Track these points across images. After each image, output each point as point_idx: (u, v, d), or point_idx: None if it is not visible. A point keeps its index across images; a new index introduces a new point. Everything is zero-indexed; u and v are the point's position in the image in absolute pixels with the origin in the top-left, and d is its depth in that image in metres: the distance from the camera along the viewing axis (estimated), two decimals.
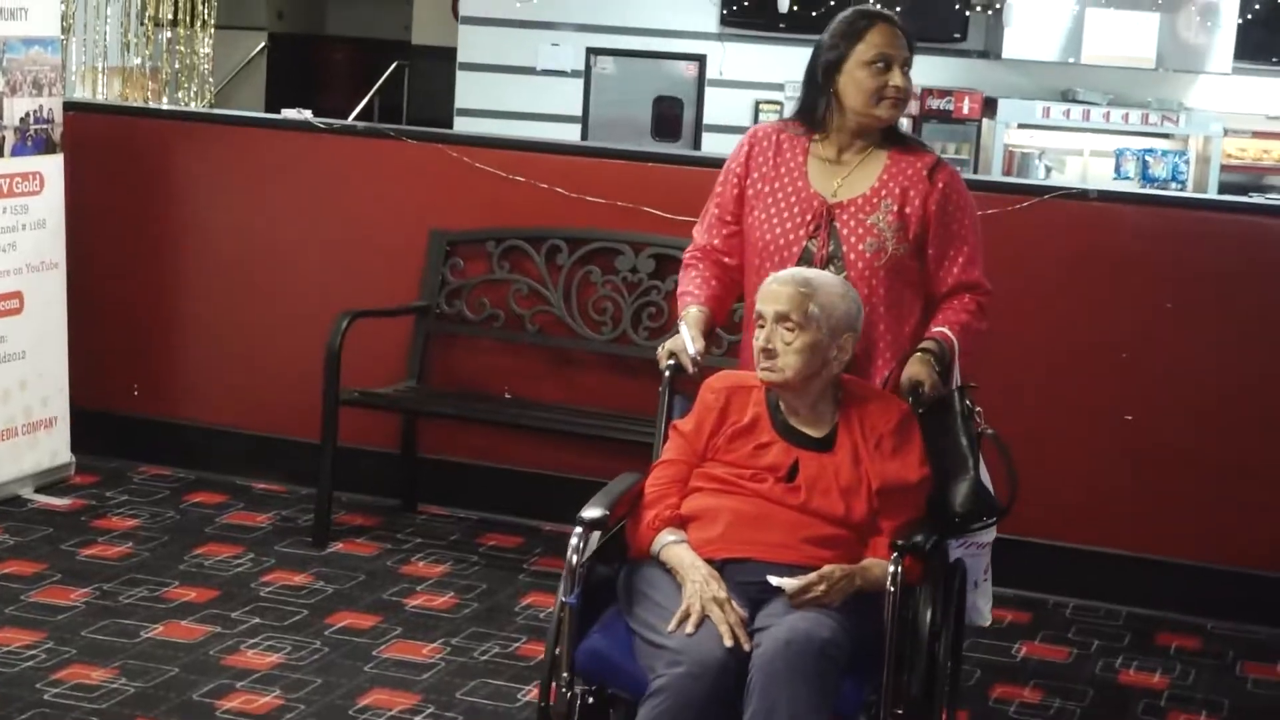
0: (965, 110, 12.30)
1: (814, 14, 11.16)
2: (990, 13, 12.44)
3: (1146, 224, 5.81)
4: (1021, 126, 12.39)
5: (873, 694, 3.18)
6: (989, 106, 12.38)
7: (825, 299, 3.40)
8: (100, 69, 7.29)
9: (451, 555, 5.81)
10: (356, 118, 10.86)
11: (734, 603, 3.19)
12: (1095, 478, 5.67)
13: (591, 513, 3.32)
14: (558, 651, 3.28)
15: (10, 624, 4.92)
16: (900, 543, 3.24)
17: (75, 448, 6.33)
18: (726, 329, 4.44)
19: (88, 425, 6.38)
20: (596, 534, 3.34)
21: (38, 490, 6.13)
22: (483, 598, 5.37)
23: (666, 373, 3.75)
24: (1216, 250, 5.59)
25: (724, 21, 12.67)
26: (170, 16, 7.46)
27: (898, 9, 11.93)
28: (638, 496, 3.51)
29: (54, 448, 6.25)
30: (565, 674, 3.25)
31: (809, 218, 3.73)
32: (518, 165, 6.15)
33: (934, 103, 12.34)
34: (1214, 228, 5.85)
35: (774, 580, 3.24)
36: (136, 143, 6.59)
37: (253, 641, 4.93)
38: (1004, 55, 12.43)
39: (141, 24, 7.48)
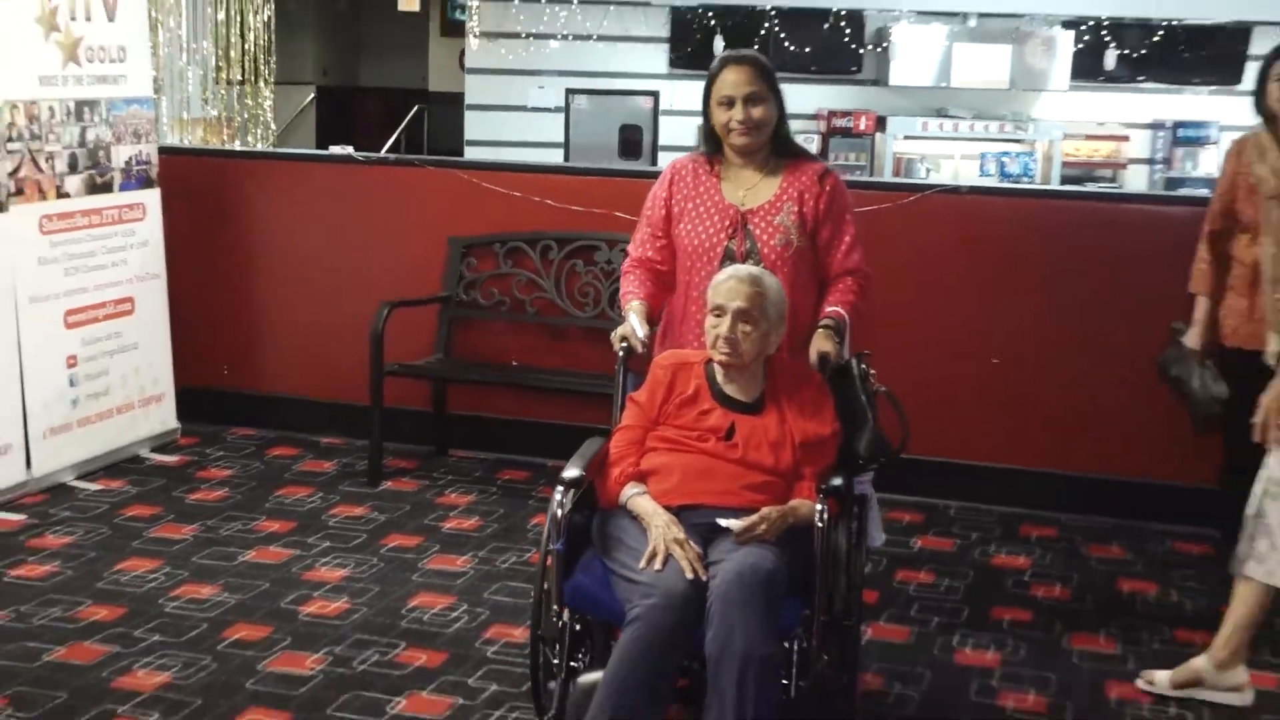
0: (862, 126, 12.31)
1: None
2: (879, 49, 12.43)
3: (1005, 210, 5.90)
4: (906, 138, 12.40)
5: (806, 609, 3.16)
6: (880, 123, 12.37)
7: (773, 296, 3.41)
8: (185, 120, 7.27)
9: (476, 488, 5.86)
10: (387, 151, 10.80)
11: (691, 542, 3.17)
12: (972, 408, 5.73)
13: (570, 473, 3.30)
14: (546, 587, 3.24)
15: (135, 554, 4.99)
16: (824, 487, 3.26)
17: (180, 416, 6.35)
18: (655, 321, 4.11)
19: (189, 399, 6.40)
20: (574, 491, 3.29)
21: (152, 450, 6.15)
22: (502, 520, 5.44)
23: (620, 353, 3.68)
24: (1058, 226, 5.66)
25: (672, 64, 12.65)
26: (239, 76, 7.44)
27: (807, 49, 12.16)
28: (604, 456, 3.46)
29: (163, 417, 6.27)
30: (555, 606, 3.22)
31: (727, 223, 3.71)
32: (515, 184, 6.17)
33: (837, 122, 12.35)
34: (1057, 211, 5.92)
35: (722, 522, 3.21)
36: (215, 177, 6.59)
37: (324, 560, 4.99)
38: (890, 83, 12.39)
39: (215, 83, 7.47)
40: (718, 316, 3.39)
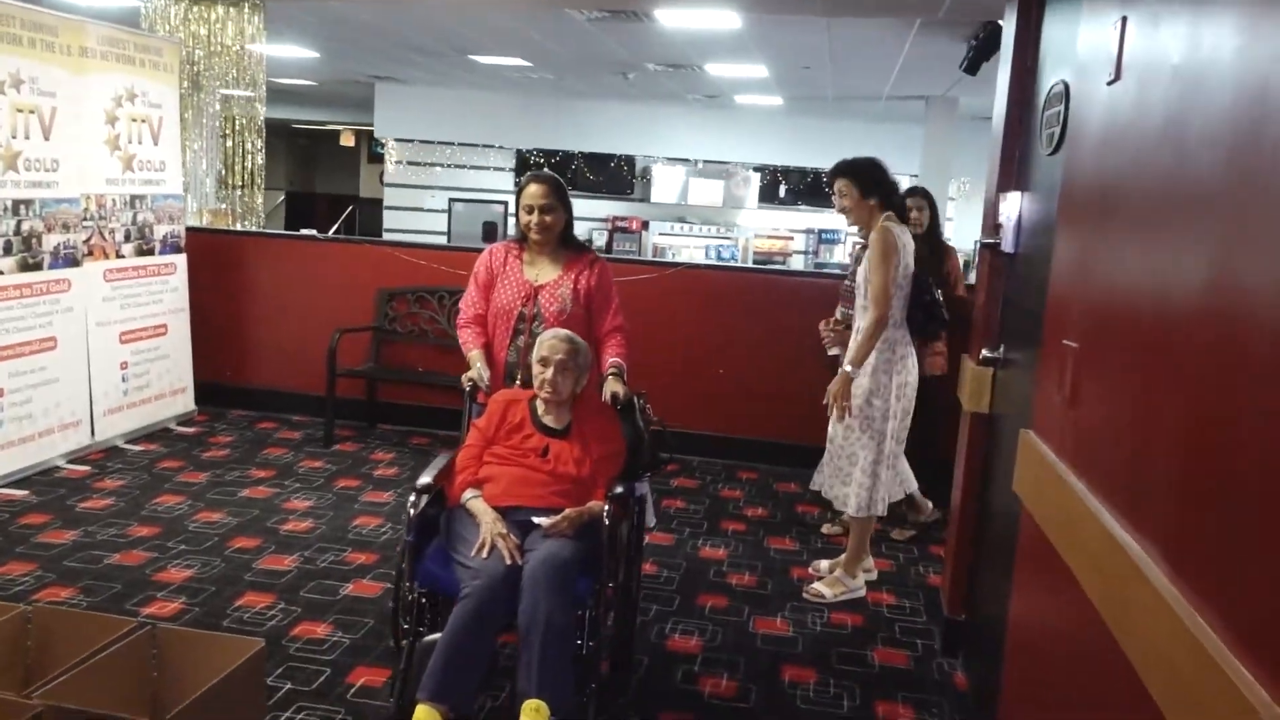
0: (634, 226, 12.39)
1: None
2: (645, 179, 12.52)
3: (721, 279, 5.94)
4: (661, 234, 12.49)
5: (595, 584, 2.84)
6: (645, 225, 12.45)
7: (583, 352, 3.11)
8: (203, 209, 6.97)
9: (395, 449, 5.68)
10: (335, 233, 10.49)
11: (511, 535, 2.82)
12: (707, 401, 5.79)
13: (423, 481, 2.94)
14: (404, 567, 2.87)
15: (167, 492, 4.72)
16: (609, 494, 2.95)
17: (197, 401, 6.02)
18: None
19: (203, 389, 6.07)
20: (425, 496, 2.91)
21: (178, 424, 5.83)
22: (412, 470, 5.27)
23: (467, 389, 3.27)
24: (751, 288, 5.74)
25: (516, 184, 12.54)
26: (240, 182, 7.17)
27: (600, 177, 12.22)
28: (451, 466, 3.08)
29: (185, 402, 5.94)
30: (408, 583, 2.85)
31: (523, 294, 3.34)
32: (419, 255, 6.05)
33: (619, 223, 12.38)
34: (750, 279, 6.00)
35: (536, 519, 2.89)
36: (224, 247, 6.28)
37: (295, 495, 4.79)
38: (652, 200, 12.50)
39: (223, 186, 7.17)
40: (543, 366, 3.05)
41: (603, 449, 3.07)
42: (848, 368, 3.79)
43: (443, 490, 3.03)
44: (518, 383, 3.28)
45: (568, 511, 2.89)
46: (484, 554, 2.77)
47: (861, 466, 3.84)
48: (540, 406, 3.10)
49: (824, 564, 4.18)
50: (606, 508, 2.91)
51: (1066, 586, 1.86)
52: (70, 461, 5.02)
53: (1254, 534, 1.21)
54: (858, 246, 4.22)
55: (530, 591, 2.68)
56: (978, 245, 4.40)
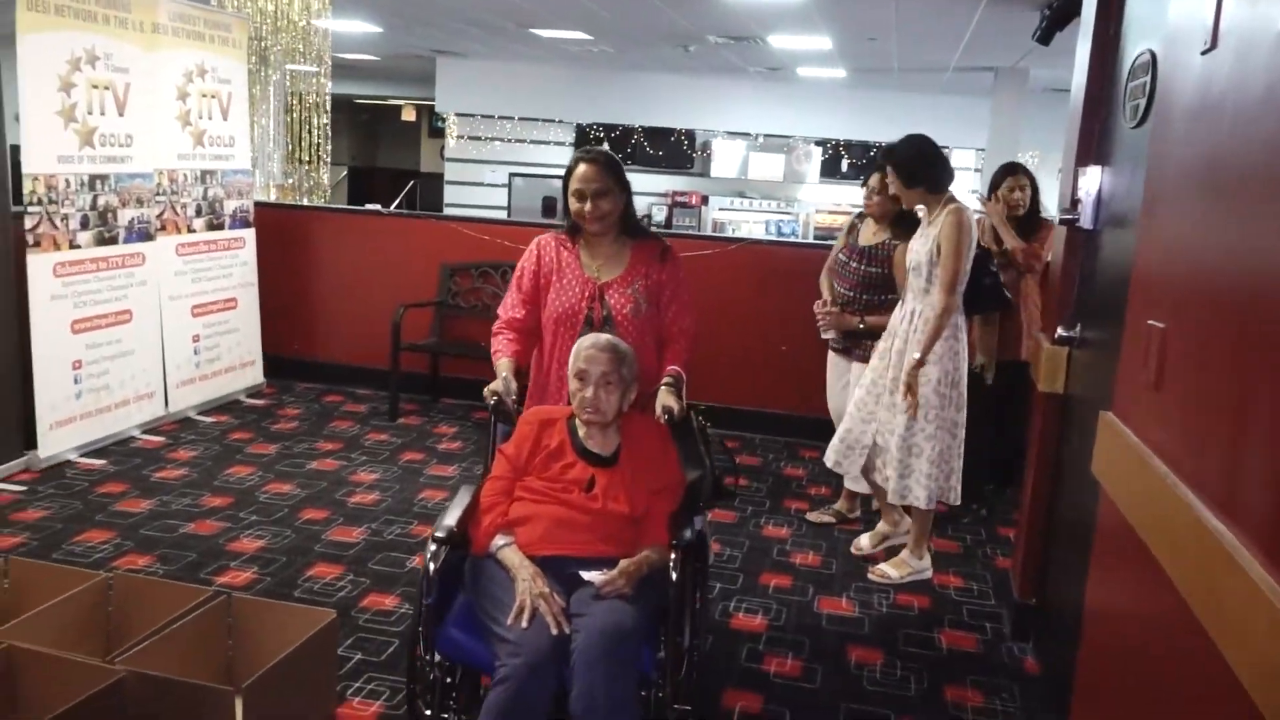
0: (693, 201, 12.30)
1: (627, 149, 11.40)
2: (704, 154, 12.45)
3: (782, 254, 5.90)
4: (721, 209, 12.38)
5: (660, 650, 2.32)
6: (705, 200, 12.36)
7: (629, 361, 2.60)
8: (271, 184, 7.06)
9: (458, 423, 5.74)
10: (396, 208, 10.59)
11: (555, 594, 2.28)
12: (770, 378, 5.75)
13: (441, 531, 2.40)
14: (420, 631, 2.34)
15: (238, 463, 4.83)
16: (675, 542, 2.41)
17: (265, 374, 6.14)
18: (523, 370, 3.09)
19: (272, 363, 6.19)
20: (445, 548, 2.38)
21: (247, 396, 5.95)
22: (475, 443, 5.34)
23: (491, 404, 2.73)
24: (811, 262, 5.61)
25: None
26: (305, 158, 7.26)
27: (660, 152, 12.17)
28: (476, 504, 2.53)
29: (254, 375, 6.06)
30: (426, 656, 2.34)
31: (587, 293, 2.90)
32: (482, 229, 6.07)
33: (678, 199, 12.30)
34: (810, 254, 5.87)
35: (585, 575, 2.35)
36: (291, 222, 6.37)
37: (362, 468, 4.87)
38: (711, 175, 12.42)
39: (290, 161, 7.27)
40: (581, 381, 2.57)
41: (659, 479, 2.57)
42: (917, 355, 3.62)
43: (466, 534, 2.49)
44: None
45: (624, 564, 2.37)
46: (523, 623, 2.23)
47: (929, 458, 3.71)
48: (582, 429, 2.59)
49: (865, 540, 4.15)
50: (674, 558, 2.36)
51: (1150, 573, 1.81)
52: (145, 432, 5.14)
53: None
54: (858, 222, 4.33)
55: (586, 675, 2.17)
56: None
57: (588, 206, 2.88)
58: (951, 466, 3.77)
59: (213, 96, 5.60)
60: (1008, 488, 4.83)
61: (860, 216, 4.38)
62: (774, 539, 4.28)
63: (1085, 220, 3.10)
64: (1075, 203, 3.21)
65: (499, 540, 2.44)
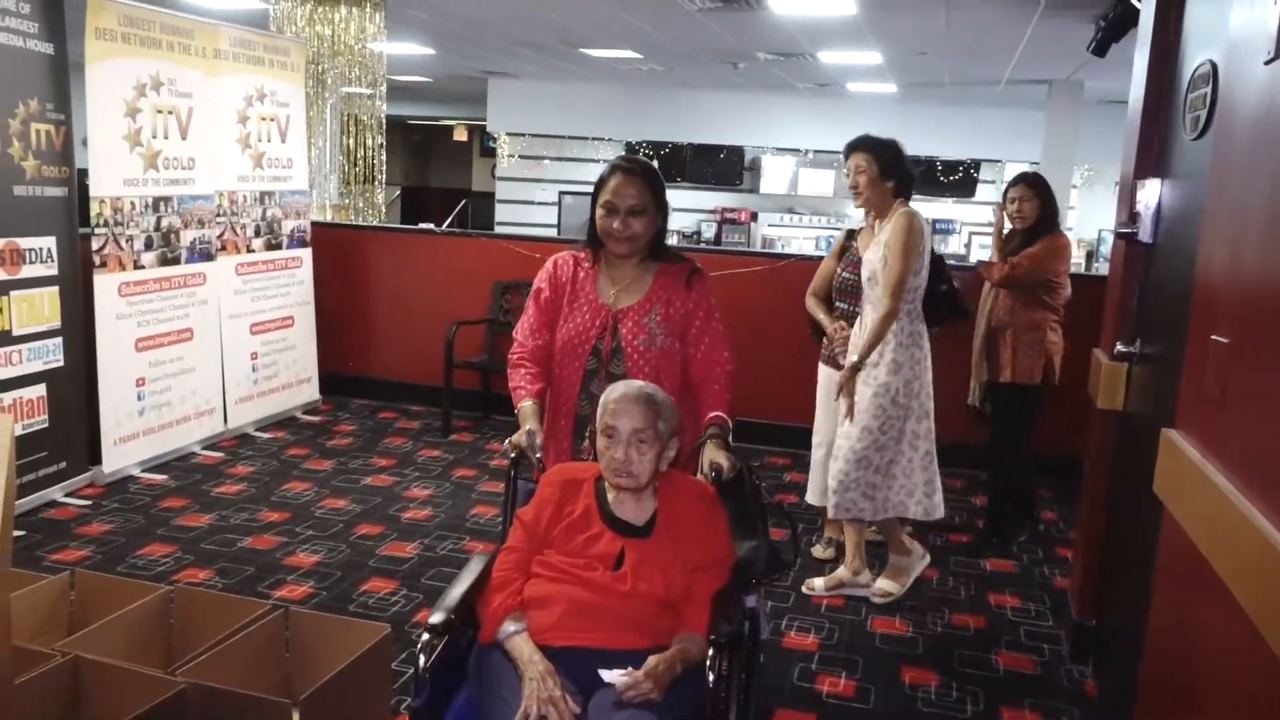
0: (743, 218, 12.28)
1: (674, 168, 11.51)
2: (754, 170, 12.43)
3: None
4: (770, 225, 12.36)
5: None
6: (754, 216, 12.33)
7: (667, 412, 2.18)
8: (327, 204, 7.20)
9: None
10: (449, 227, 10.72)
11: (568, 698, 1.86)
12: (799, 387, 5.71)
13: (436, 618, 1.96)
14: None
15: (294, 479, 4.90)
16: (716, 636, 1.94)
17: (321, 391, 6.24)
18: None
19: (327, 379, 6.29)
20: (438, 641, 1.96)
21: (303, 413, 6.05)
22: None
23: (512, 458, 2.37)
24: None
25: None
26: (360, 178, 7.38)
27: (709, 169, 12.19)
28: (486, 579, 2.12)
29: (311, 391, 6.16)
30: None
31: (598, 321, 2.53)
32: (533, 248, 6.10)
33: (728, 215, 12.28)
34: None
35: (606, 676, 1.91)
36: (347, 241, 6.47)
37: (415, 484, 4.91)
38: (761, 191, 12.39)
39: (346, 183, 7.39)
40: (609, 439, 2.14)
41: (702, 554, 2.11)
42: (854, 358, 3.58)
43: (473, 614, 2.09)
44: (584, 445, 2.43)
45: (653, 662, 1.92)
46: None
47: (921, 469, 3.62)
48: (611, 493, 2.18)
49: (819, 582, 3.86)
50: (710, 658, 1.91)
51: (1215, 595, 1.76)
52: (205, 448, 5.24)
53: None
54: (845, 234, 4.08)
55: None
56: (1101, 235, 4.21)
57: (616, 224, 2.51)
58: (924, 480, 3.63)
59: (271, 119, 5.73)
60: (1026, 520, 4.67)
61: (850, 235, 4.10)
62: (825, 559, 4.23)
63: (1144, 234, 3.04)
64: (1134, 216, 3.16)
65: (509, 626, 2.03)
